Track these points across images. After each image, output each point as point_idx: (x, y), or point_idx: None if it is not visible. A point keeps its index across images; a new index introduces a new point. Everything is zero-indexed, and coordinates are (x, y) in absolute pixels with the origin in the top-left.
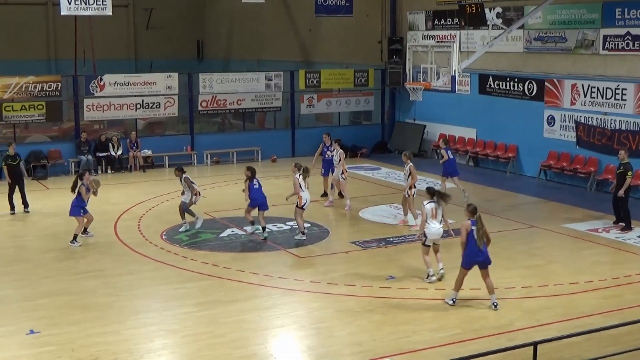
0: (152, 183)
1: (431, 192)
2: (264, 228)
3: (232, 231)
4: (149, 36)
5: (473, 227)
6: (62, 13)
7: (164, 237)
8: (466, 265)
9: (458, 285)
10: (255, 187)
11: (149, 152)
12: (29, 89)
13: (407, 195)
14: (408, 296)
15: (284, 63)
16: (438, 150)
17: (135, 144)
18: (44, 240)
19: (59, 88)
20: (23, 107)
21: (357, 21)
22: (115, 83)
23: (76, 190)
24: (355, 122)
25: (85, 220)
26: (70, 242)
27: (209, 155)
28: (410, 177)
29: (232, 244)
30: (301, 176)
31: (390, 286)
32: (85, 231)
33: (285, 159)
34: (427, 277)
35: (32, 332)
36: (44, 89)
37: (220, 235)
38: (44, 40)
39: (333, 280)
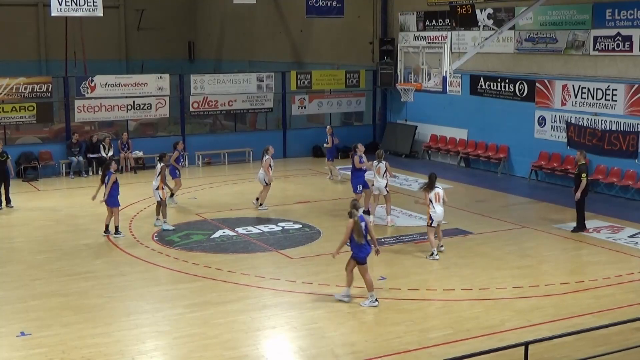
0: (143, 184)
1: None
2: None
3: (224, 232)
4: (140, 37)
5: (362, 223)
6: (52, 14)
7: (155, 238)
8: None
9: (350, 281)
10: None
11: (140, 154)
12: (20, 90)
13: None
14: (399, 297)
15: (275, 64)
16: (330, 135)
17: (127, 145)
18: (35, 242)
19: (50, 89)
20: (14, 109)
21: (348, 22)
22: (106, 84)
23: (107, 182)
24: (346, 123)
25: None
26: (115, 234)
27: (200, 157)
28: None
29: (224, 245)
30: None
31: (381, 287)
32: (107, 228)
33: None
34: (431, 255)
35: (22, 334)
36: (35, 90)
37: (212, 237)
38: (34, 41)
39: (325, 281)
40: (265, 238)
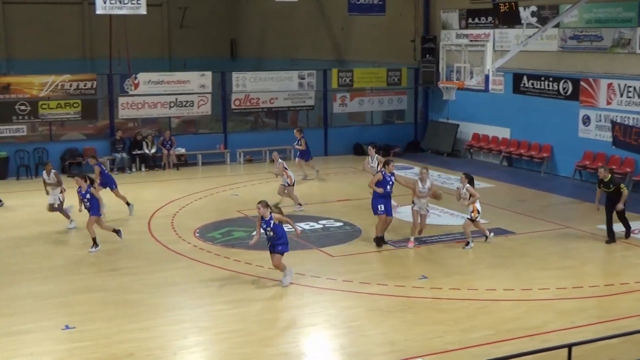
0: (185, 181)
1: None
2: (128, 203)
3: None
4: (182, 35)
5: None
6: (97, 12)
7: (197, 234)
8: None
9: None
10: (105, 171)
11: (182, 150)
12: (65, 87)
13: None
14: (441, 296)
15: (316, 62)
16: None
17: (169, 142)
18: (79, 237)
19: (95, 86)
20: (59, 105)
21: (390, 20)
22: (149, 81)
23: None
24: (387, 121)
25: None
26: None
27: (241, 154)
28: None
29: (265, 242)
30: None
31: (422, 286)
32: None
33: (317, 157)
34: (467, 245)
35: (67, 327)
36: (80, 87)
37: (253, 234)
38: (79, 39)
39: (365, 279)
40: (306, 236)
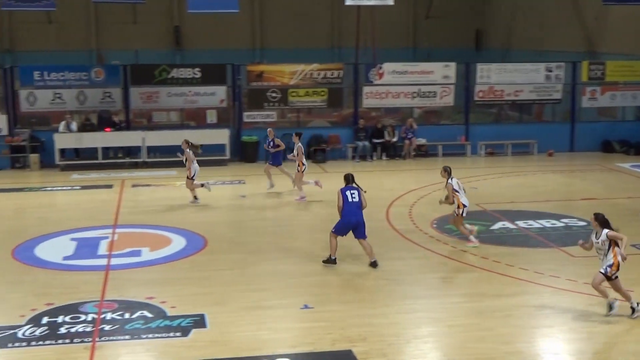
0: (425, 171)
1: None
2: None
3: (504, 224)
4: (428, 25)
5: None
6: (346, 3)
7: (434, 225)
8: None
9: None
10: None
11: (423, 141)
12: (313, 76)
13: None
14: None
15: (566, 54)
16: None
17: (411, 131)
18: (321, 220)
19: (341, 75)
20: (307, 93)
21: None
22: (393, 71)
23: None
24: None
25: None
26: None
27: (483, 147)
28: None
29: (503, 238)
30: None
31: None
32: None
33: (562, 153)
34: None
35: (306, 307)
36: (327, 76)
37: (491, 228)
38: (328, 29)
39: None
40: (546, 234)
